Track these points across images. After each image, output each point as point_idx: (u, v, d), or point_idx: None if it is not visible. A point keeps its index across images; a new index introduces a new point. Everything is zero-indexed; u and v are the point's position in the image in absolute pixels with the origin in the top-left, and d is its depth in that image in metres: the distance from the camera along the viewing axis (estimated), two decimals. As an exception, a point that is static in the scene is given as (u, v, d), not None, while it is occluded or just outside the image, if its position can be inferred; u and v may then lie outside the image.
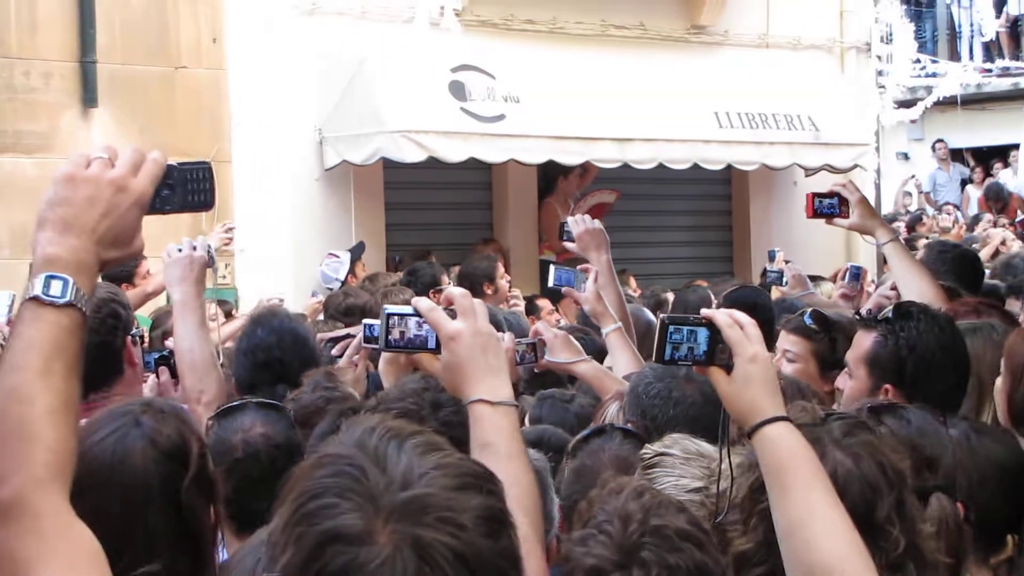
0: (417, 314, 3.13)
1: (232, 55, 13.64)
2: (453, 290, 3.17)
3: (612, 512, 3.00)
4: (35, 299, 2.50)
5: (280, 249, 13.52)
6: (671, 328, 3.19)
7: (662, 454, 3.70)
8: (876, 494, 3.13)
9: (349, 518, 2.04)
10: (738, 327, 3.17)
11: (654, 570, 2.90)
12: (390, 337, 3.15)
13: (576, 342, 5.98)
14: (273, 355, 5.97)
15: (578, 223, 6.64)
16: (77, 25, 12.77)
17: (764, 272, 13.23)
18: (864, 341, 4.93)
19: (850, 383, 4.94)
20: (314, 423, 4.73)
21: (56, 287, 2.50)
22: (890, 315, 4.89)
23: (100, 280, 2.92)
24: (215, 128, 13.53)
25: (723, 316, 3.19)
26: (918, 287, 6.10)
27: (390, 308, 3.18)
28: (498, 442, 3.04)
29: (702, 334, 3.18)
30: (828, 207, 6.42)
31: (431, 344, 3.12)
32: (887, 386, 4.79)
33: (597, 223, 6.67)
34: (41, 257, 2.54)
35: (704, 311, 3.24)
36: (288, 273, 13.19)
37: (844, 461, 3.15)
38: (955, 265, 7.62)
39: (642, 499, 3.03)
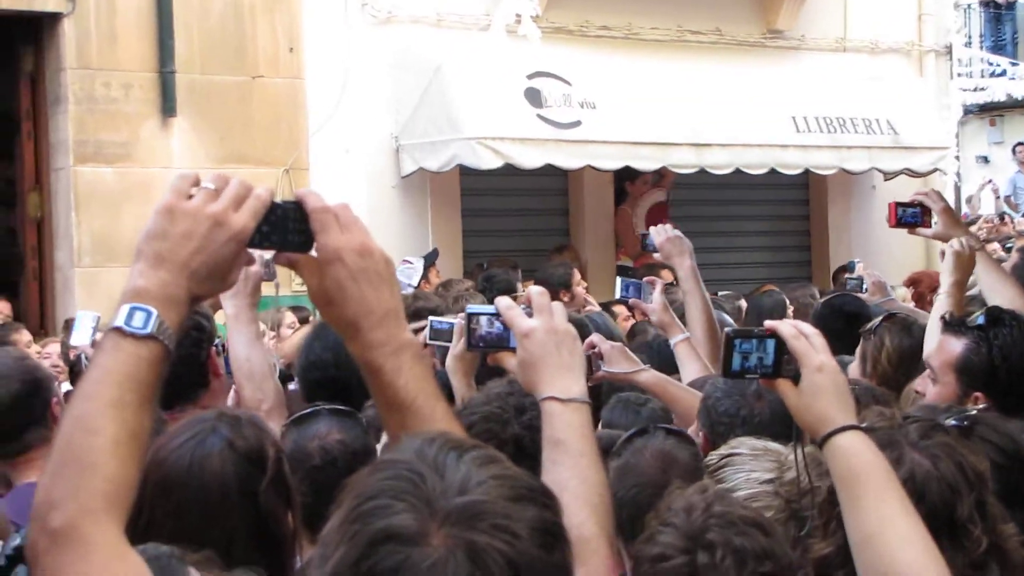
0: (495, 313, 3.15)
1: (309, 64, 13.73)
2: (532, 289, 3.18)
3: (676, 507, 3.01)
4: (117, 329, 2.48)
5: (357, 256, 13.55)
6: (736, 341, 3.17)
7: (730, 455, 3.69)
8: (955, 494, 3.11)
9: (404, 518, 2.04)
10: (803, 338, 3.14)
11: (720, 552, 2.89)
12: (472, 336, 3.17)
13: (632, 353, 5.93)
14: (328, 374, 5.79)
15: (659, 232, 6.64)
16: (156, 36, 12.90)
17: (838, 277, 13.18)
18: (953, 346, 4.86)
19: (935, 388, 4.86)
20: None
21: (139, 318, 2.48)
22: (980, 321, 4.83)
23: None
24: (292, 137, 13.62)
25: (788, 327, 3.17)
26: (1006, 295, 6.03)
27: (472, 308, 3.22)
28: (569, 439, 3.04)
29: (768, 346, 3.15)
30: (911, 216, 6.37)
31: (512, 343, 3.14)
32: (977, 394, 4.72)
33: (677, 231, 6.65)
34: (130, 289, 2.52)
35: (768, 323, 3.22)
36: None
37: (922, 462, 3.13)
38: None
39: (705, 492, 3.04)
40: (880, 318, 6.16)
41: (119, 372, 2.47)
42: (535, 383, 3.10)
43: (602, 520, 3.02)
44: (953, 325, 4.95)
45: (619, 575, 3.05)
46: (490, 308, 3.18)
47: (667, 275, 12.68)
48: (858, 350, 6.08)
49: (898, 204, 6.42)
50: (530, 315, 3.11)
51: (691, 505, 2.98)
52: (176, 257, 2.55)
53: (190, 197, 2.59)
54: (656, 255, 6.72)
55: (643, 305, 6.34)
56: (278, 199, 2.65)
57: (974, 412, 3.36)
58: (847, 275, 11.09)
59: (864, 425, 3.21)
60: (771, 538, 2.96)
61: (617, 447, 4.15)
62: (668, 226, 6.78)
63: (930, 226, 6.38)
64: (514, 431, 3.71)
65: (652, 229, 6.75)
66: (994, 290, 6.21)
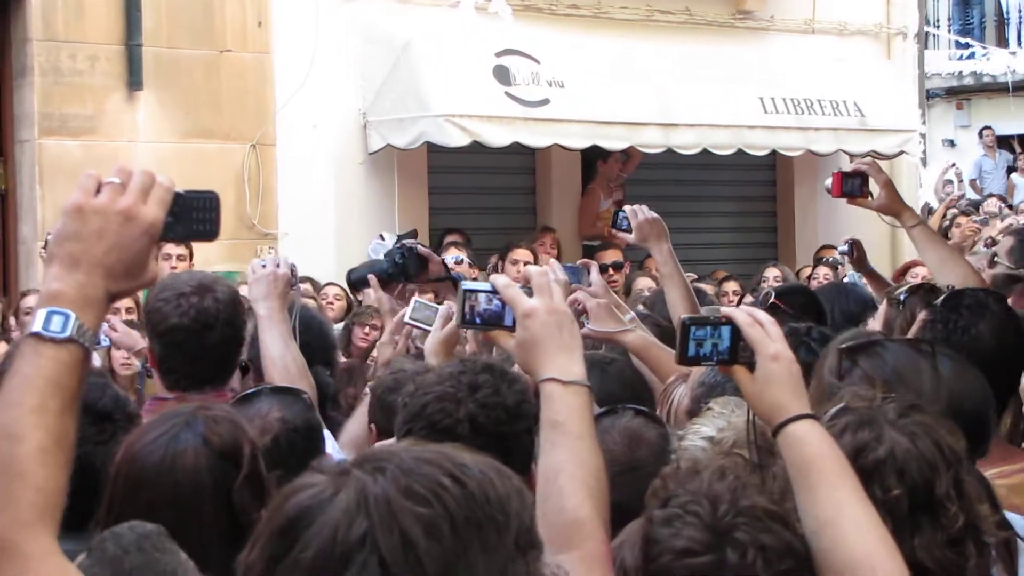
0: (494, 291, 3.14)
1: (277, 39, 13.67)
2: (531, 268, 3.18)
3: (697, 492, 2.93)
4: (35, 335, 2.45)
5: (323, 233, 13.55)
6: (692, 328, 3.16)
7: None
8: (934, 472, 3.12)
9: (316, 486, 2.05)
10: (759, 326, 3.13)
11: (749, 550, 2.84)
12: (467, 313, 3.16)
13: (618, 312, 5.87)
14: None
15: (634, 213, 6.37)
16: (123, 8, 12.82)
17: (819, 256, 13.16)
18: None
19: None
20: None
21: (57, 322, 2.45)
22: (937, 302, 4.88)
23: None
24: (259, 112, 13.57)
25: (743, 315, 3.16)
26: (957, 273, 6.02)
27: (468, 284, 3.19)
28: (568, 421, 3.05)
29: (723, 333, 3.15)
30: (855, 187, 6.32)
31: (507, 321, 3.13)
32: None
33: (654, 213, 6.43)
34: (46, 293, 2.50)
35: (724, 310, 3.23)
36: (331, 256, 13.20)
37: (901, 440, 3.13)
38: None
39: (727, 480, 2.98)
40: (907, 286, 6.07)
41: (40, 378, 2.43)
42: (535, 363, 3.10)
43: (598, 504, 3.02)
44: (895, 300, 5.00)
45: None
46: (486, 285, 3.16)
47: (610, 255, 12.70)
48: (882, 311, 6.01)
49: (843, 174, 6.34)
50: (529, 294, 3.10)
51: (716, 495, 2.91)
52: (90, 257, 2.52)
53: (97, 195, 2.57)
54: (629, 236, 6.42)
55: (584, 289, 6.02)
56: (178, 188, 2.63)
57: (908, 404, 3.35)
58: (837, 250, 10.92)
59: (843, 405, 3.22)
60: (792, 531, 2.95)
61: None
62: (644, 207, 6.65)
63: (868, 196, 6.35)
64: (468, 409, 3.70)
65: (627, 208, 6.49)
66: (943, 267, 6.16)
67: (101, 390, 3.90)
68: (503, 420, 3.68)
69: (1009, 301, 6.12)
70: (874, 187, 6.38)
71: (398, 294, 6.39)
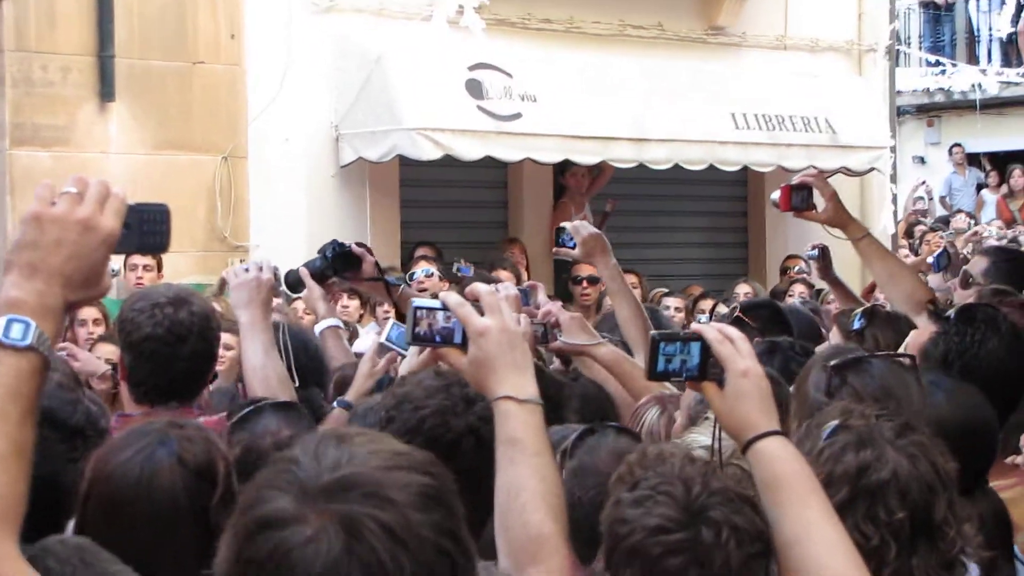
0: (444, 308, 3.14)
1: (250, 51, 13.64)
2: (479, 286, 3.19)
3: (668, 475, 2.96)
4: None
5: (295, 245, 13.48)
6: (661, 343, 3.16)
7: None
8: (934, 495, 3.14)
9: (278, 503, 2.03)
10: (728, 342, 3.13)
11: (723, 529, 2.87)
12: (417, 330, 3.16)
13: (590, 326, 5.87)
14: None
15: (578, 230, 6.33)
16: (95, 19, 12.77)
17: (786, 268, 13.21)
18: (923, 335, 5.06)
19: None
20: None
21: (17, 330, 2.46)
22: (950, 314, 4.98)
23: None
24: (232, 124, 13.54)
25: (713, 332, 3.16)
26: (904, 287, 6.04)
27: (418, 301, 3.19)
28: (526, 439, 3.07)
29: (693, 349, 3.14)
30: (802, 201, 6.28)
31: (457, 339, 3.13)
32: None
33: (595, 229, 6.41)
34: (3, 300, 2.49)
35: (694, 326, 3.24)
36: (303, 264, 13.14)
37: (902, 462, 3.15)
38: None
39: (696, 464, 3.01)
40: (861, 311, 6.10)
41: (1, 386, 2.43)
42: (488, 382, 3.12)
43: (559, 518, 3.04)
44: (934, 313, 5.08)
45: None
46: (436, 303, 3.16)
47: (587, 269, 12.69)
48: (835, 335, 6.03)
49: (791, 187, 6.30)
50: (480, 312, 3.11)
51: (689, 477, 2.94)
52: (49, 266, 2.53)
53: (54, 205, 2.57)
54: (574, 252, 6.34)
55: (530, 310, 5.94)
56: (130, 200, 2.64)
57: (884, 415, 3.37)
58: (804, 254, 10.87)
59: (838, 422, 3.23)
60: (760, 515, 2.96)
61: (569, 448, 4.14)
62: (585, 222, 6.60)
63: (814, 209, 6.35)
64: (469, 422, 3.68)
65: (569, 224, 6.47)
66: (890, 281, 6.17)
67: (73, 406, 3.84)
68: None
69: None
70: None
71: (328, 290, 6.38)
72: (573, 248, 6.29)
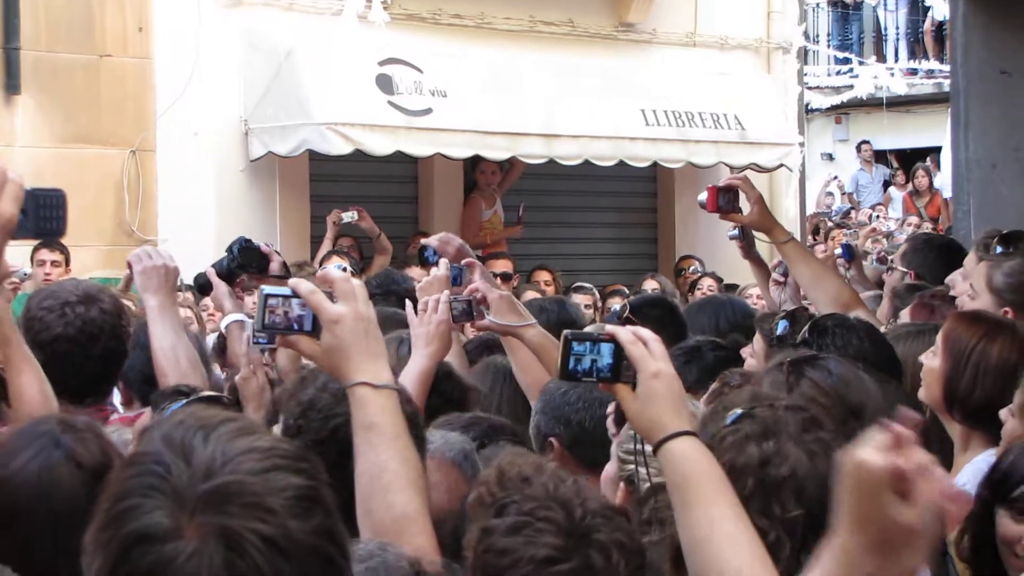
0: (295, 295, 3.12)
1: (158, 44, 13.54)
2: (332, 272, 3.18)
3: (542, 498, 2.92)
4: None
5: (203, 239, 13.39)
6: (573, 343, 3.16)
7: None
8: (829, 494, 3.14)
9: (154, 517, 1.99)
10: (641, 343, 3.14)
11: (612, 551, 2.86)
12: (273, 319, 3.13)
13: (522, 305, 5.78)
14: None
15: (444, 242, 6.18)
16: (1, 11, 12.64)
17: (680, 270, 13.29)
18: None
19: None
20: None
21: None
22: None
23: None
24: (140, 117, 13.43)
25: (626, 333, 3.17)
26: (829, 290, 6.09)
27: (269, 289, 3.15)
28: (384, 423, 3.08)
29: (604, 350, 3.14)
30: (728, 202, 6.31)
31: (307, 326, 3.11)
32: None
33: (459, 240, 6.29)
34: None
35: (607, 327, 3.23)
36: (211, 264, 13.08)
37: (802, 458, 3.14)
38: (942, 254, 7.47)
39: (567, 483, 2.98)
40: (782, 315, 6.07)
41: None
42: (344, 369, 3.11)
43: (423, 499, 3.04)
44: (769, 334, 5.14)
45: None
46: (287, 290, 3.13)
47: (500, 264, 12.70)
48: (758, 343, 6.02)
49: (717, 189, 6.32)
50: (332, 298, 3.10)
51: (566, 500, 2.91)
52: None
53: None
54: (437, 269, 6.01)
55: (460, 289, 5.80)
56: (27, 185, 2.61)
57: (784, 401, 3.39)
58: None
59: (744, 410, 3.22)
60: (633, 527, 2.97)
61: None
62: (449, 234, 6.43)
63: (739, 211, 6.39)
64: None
65: (427, 240, 6.31)
66: (815, 283, 6.22)
67: None
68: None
69: (907, 311, 6.24)
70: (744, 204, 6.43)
71: (236, 287, 6.35)
72: (435, 264, 6.03)
